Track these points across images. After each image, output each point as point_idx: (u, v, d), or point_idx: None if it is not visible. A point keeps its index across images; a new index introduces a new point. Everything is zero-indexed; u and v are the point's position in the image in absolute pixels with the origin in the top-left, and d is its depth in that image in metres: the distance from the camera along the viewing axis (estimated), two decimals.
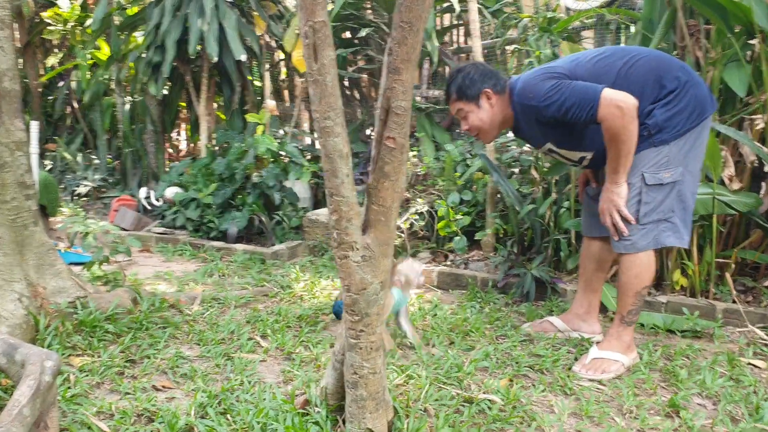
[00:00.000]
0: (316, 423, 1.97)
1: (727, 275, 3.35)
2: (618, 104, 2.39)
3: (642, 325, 3.16)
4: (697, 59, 3.45)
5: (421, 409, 2.14)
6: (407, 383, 2.35)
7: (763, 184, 3.62)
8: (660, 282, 3.52)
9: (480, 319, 3.22)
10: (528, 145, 3.01)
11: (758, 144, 3.28)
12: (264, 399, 2.19)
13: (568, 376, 2.52)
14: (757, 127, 3.31)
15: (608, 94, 2.41)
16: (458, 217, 4.19)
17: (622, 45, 4.36)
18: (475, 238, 4.22)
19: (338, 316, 3.01)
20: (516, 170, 4.30)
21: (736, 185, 3.37)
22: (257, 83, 6.97)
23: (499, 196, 4.18)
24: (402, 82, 1.63)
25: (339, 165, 1.65)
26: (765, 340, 2.96)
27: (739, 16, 3.08)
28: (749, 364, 2.70)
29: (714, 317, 3.20)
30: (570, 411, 2.22)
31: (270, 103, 6.02)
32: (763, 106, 3.25)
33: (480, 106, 2.73)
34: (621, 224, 2.55)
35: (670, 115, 2.50)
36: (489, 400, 2.22)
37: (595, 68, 2.58)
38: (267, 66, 6.56)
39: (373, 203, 1.72)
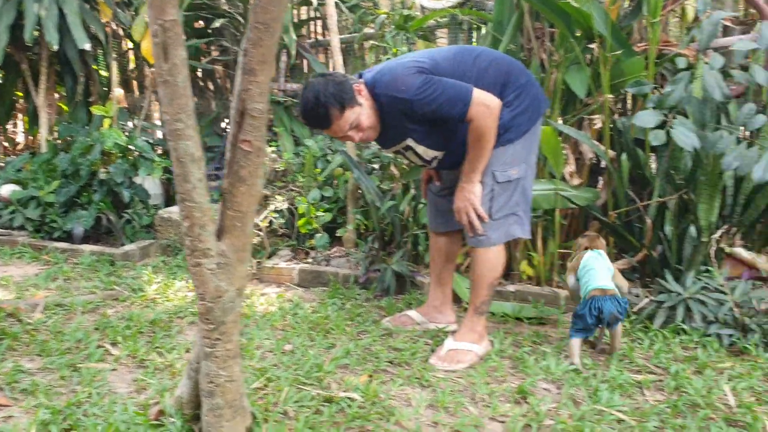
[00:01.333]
0: None
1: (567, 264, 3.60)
2: (487, 104, 2.49)
3: (492, 313, 3.31)
4: (542, 61, 3.66)
5: (280, 413, 2.12)
6: (266, 386, 2.32)
7: (600, 179, 3.92)
8: (509, 272, 3.72)
9: (341, 315, 3.24)
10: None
11: (596, 142, 3.54)
12: (114, 411, 2.08)
13: (426, 369, 2.60)
14: (595, 126, 3.57)
15: (478, 93, 2.48)
16: (319, 213, 4.18)
17: (473, 45, 4.54)
18: (337, 235, 4.23)
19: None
20: (376, 166, 4.36)
21: (576, 181, 3.62)
22: (103, 73, 6.55)
23: (360, 192, 4.22)
24: (258, 84, 1.59)
25: (190, 169, 1.59)
26: None
27: (580, 21, 3.29)
28: (591, 347, 2.92)
29: (558, 304, 3.43)
30: (427, 403, 2.29)
31: (117, 93, 5.68)
32: (600, 106, 3.52)
33: (362, 104, 2.58)
34: (477, 222, 2.67)
35: (515, 115, 2.64)
36: (349, 398, 2.25)
37: (454, 67, 2.62)
38: (114, 55, 6.18)
39: (228, 208, 1.67)
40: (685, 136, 2.69)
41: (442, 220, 3.06)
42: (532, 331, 3.12)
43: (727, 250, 3.35)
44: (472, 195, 2.64)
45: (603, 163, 3.76)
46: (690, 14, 3.72)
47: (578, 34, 3.43)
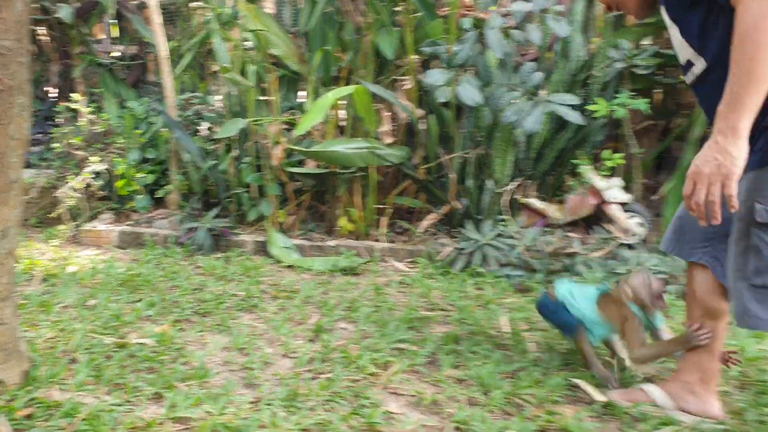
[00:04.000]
0: None
1: (384, 219, 3.80)
2: None
3: (309, 269, 3.44)
4: (358, 24, 3.80)
5: (68, 359, 2.12)
6: (58, 336, 2.31)
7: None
8: (330, 228, 3.87)
9: (155, 273, 3.23)
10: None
11: (406, 102, 3.74)
12: None
13: (230, 317, 2.67)
14: (405, 87, 3.77)
15: None
16: (140, 175, 4.11)
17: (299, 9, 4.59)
18: (159, 196, 4.19)
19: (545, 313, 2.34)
20: (200, 127, 4.33)
21: (390, 140, 3.81)
22: None
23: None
24: (3, 20, 1.57)
25: None
26: (406, 271, 3.43)
27: None
28: (400, 290, 3.12)
29: (373, 256, 3.62)
30: (222, 346, 2.37)
31: None
32: (409, 69, 3.71)
33: None
34: (717, 209, 1.47)
35: None
36: (142, 344, 2.28)
37: None
38: None
39: None
40: (469, 92, 2.91)
41: (676, 237, 1.94)
42: (344, 281, 3.27)
43: (523, 200, 3.68)
44: (722, 157, 1.44)
45: (416, 124, 3.97)
46: None
47: None
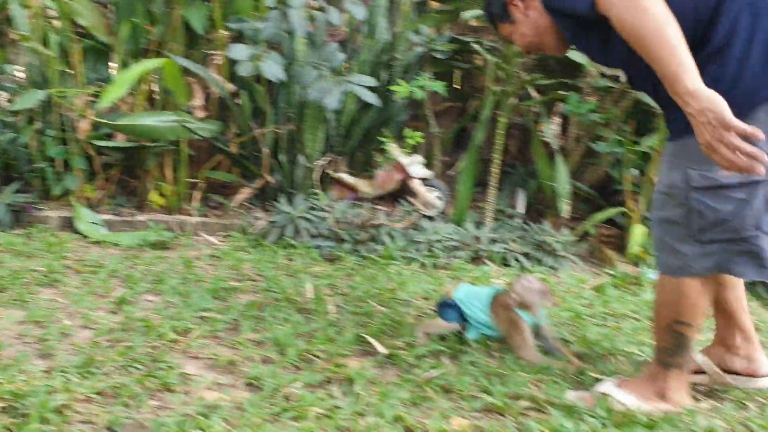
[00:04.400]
0: None
1: (196, 193, 3.81)
2: None
3: (117, 244, 3.38)
4: None
5: None
6: None
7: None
8: (141, 203, 3.81)
9: None
10: None
11: (217, 76, 3.75)
12: None
13: (28, 291, 2.58)
14: (216, 62, 3.78)
15: None
16: None
17: None
18: None
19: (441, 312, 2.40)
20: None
21: (202, 114, 3.81)
22: None
23: None
24: None
25: None
26: (218, 245, 3.49)
27: None
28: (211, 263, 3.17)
29: (185, 230, 3.62)
30: (18, 320, 2.30)
31: None
32: (219, 44, 3.73)
33: (515, 21, 1.98)
34: (751, 149, 1.48)
35: (734, 70, 1.66)
36: None
37: None
38: None
39: None
40: (273, 69, 3.01)
41: None
42: (153, 255, 3.26)
43: (334, 175, 3.86)
44: (704, 116, 1.50)
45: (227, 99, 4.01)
46: None
47: None
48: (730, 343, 2.07)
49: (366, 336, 2.29)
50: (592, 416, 1.81)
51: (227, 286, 2.81)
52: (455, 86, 4.43)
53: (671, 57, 1.53)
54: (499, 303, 2.30)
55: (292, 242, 3.44)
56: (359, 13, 3.24)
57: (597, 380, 2.05)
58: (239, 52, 3.14)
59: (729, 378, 2.06)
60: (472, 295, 2.39)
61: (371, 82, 3.27)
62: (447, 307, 2.37)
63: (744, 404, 1.99)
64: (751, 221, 1.69)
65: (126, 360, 2.01)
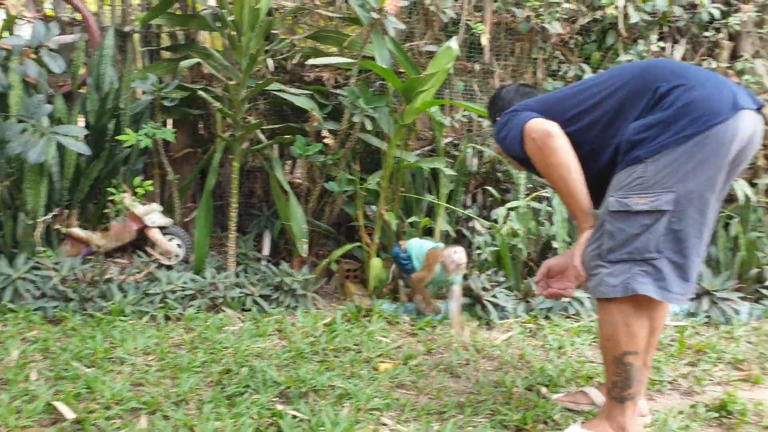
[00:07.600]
0: None
1: None
2: (533, 136, 2.12)
3: None
4: None
5: None
6: None
7: None
8: None
9: None
10: None
11: None
12: None
13: None
14: None
15: (531, 124, 2.14)
16: None
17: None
18: None
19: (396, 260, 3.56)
20: None
21: None
22: None
23: None
24: None
25: None
26: None
27: None
28: None
29: None
30: None
31: None
32: None
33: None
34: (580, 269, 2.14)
35: (647, 126, 2.02)
36: None
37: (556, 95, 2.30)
38: None
39: None
40: None
41: None
42: None
43: (64, 230, 3.66)
44: (576, 246, 2.12)
45: None
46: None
47: None
48: None
49: (55, 403, 2.19)
50: None
51: None
52: (201, 132, 4.43)
53: (571, 200, 2.09)
54: (430, 254, 3.33)
55: (11, 306, 3.20)
56: (56, 66, 3.14)
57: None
58: None
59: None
60: (417, 247, 3.44)
61: (79, 132, 3.17)
62: (398, 257, 3.51)
63: None
64: (653, 244, 1.91)
65: None
